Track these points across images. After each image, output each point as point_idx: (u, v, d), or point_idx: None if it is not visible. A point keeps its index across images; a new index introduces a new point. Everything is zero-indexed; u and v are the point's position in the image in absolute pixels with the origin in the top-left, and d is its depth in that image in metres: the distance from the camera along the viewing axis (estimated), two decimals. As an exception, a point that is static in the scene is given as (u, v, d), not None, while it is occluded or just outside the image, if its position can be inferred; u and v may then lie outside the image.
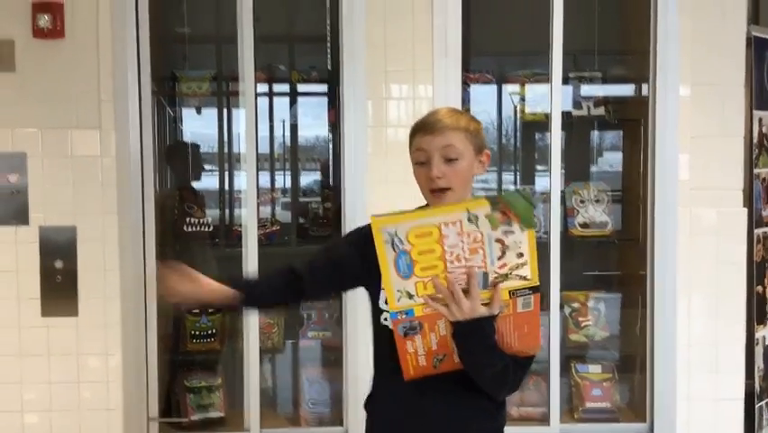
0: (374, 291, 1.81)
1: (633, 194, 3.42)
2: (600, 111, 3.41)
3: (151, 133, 3.04)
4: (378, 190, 2.98)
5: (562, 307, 3.20)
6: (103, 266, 2.95)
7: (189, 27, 3.55)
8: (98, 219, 2.95)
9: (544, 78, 3.19)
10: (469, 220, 1.54)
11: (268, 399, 3.41)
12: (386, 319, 1.77)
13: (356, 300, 2.72)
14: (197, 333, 3.34)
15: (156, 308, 3.05)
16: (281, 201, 4.02)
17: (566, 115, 3.28)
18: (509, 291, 1.61)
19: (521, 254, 1.58)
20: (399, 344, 1.69)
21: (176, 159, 3.86)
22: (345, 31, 2.98)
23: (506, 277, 1.60)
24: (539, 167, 4.23)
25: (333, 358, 3.36)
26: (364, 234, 1.86)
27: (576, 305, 3.36)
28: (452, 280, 1.58)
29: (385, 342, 1.72)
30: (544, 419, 3.18)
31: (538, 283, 1.62)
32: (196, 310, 3.35)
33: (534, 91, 3.42)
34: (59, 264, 2.93)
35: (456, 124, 1.76)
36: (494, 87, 3.79)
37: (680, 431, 3.12)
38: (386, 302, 1.72)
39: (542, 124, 3.49)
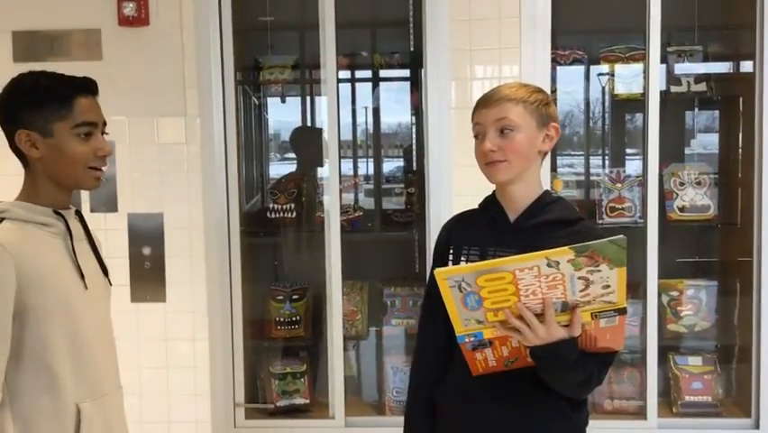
0: None
1: (731, 176, 3.21)
2: (701, 87, 3.19)
3: (235, 120, 3.04)
4: (462, 174, 2.88)
5: (659, 295, 3.03)
6: (189, 252, 2.98)
7: (272, 15, 3.53)
8: (184, 206, 2.98)
9: (640, 54, 3.02)
10: (548, 266, 1.41)
11: (352, 386, 3.38)
12: None
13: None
14: (282, 319, 3.34)
15: (241, 294, 3.06)
16: (364, 188, 3.98)
17: (661, 93, 3.09)
18: (592, 313, 1.49)
19: (608, 286, 1.45)
20: (468, 355, 1.60)
21: (301, 143, 3.86)
22: (429, 8, 2.89)
23: (588, 303, 1.48)
24: (629, 150, 4.04)
25: (417, 346, 3.30)
26: (442, 235, 1.82)
27: (674, 293, 3.18)
28: (523, 309, 1.47)
29: None
30: (639, 413, 3.03)
31: (625, 305, 1.49)
32: (280, 297, 3.36)
33: (627, 69, 3.23)
34: (146, 251, 2.97)
35: (513, 95, 1.66)
36: (581, 68, 3.61)
37: (789, 428, 2.92)
38: None
39: (633, 104, 3.31)
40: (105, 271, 1.76)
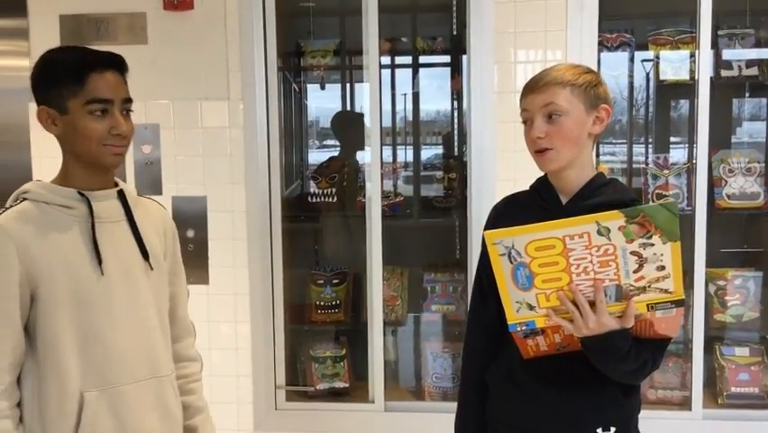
0: None
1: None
2: (753, 71, 3.11)
3: (277, 105, 3.05)
4: (505, 159, 2.85)
5: (706, 284, 2.96)
6: (232, 235, 3.00)
7: (314, 1, 3.54)
8: (227, 189, 3.00)
9: (690, 37, 2.94)
10: (599, 233, 1.39)
11: (391, 371, 3.39)
12: None
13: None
14: (322, 303, 3.35)
15: (282, 277, 3.08)
16: (403, 174, 3.97)
17: (710, 78, 3.02)
18: (648, 305, 1.45)
19: (662, 267, 1.41)
20: (519, 341, 1.58)
21: (342, 127, 3.86)
22: (473, -11, 2.85)
23: (643, 290, 1.44)
24: (674, 138, 3.95)
25: (456, 332, 3.30)
26: (491, 217, 1.80)
27: (721, 283, 3.11)
28: (577, 292, 1.44)
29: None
30: (684, 404, 2.98)
31: (683, 297, 1.45)
32: (321, 281, 3.37)
33: (675, 53, 3.16)
34: (190, 233, 3.00)
35: (560, 78, 1.61)
36: (626, 53, 3.54)
37: (840, 423, 2.84)
38: None
39: (680, 89, 3.24)
40: (145, 255, 1.68)
